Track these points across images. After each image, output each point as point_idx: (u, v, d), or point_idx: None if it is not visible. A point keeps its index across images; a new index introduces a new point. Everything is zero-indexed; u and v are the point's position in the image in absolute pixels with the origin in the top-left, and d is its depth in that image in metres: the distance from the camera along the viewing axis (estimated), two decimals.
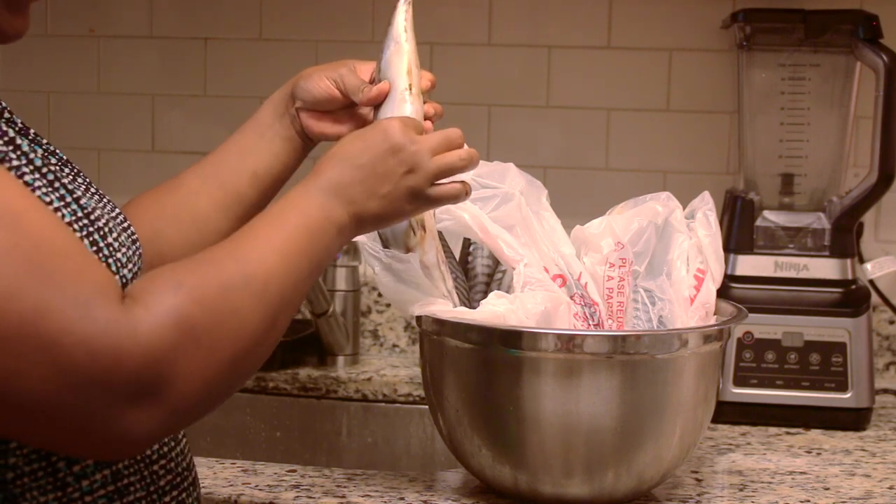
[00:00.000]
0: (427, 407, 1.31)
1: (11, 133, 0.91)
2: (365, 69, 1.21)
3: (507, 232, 1.23)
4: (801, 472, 1.38)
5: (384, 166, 1.07)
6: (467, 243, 1.33)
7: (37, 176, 0.90)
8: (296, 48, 1.95)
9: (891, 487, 1.33)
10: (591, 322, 1.23)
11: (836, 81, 1.66)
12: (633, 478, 1.21)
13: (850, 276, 1.62)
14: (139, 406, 0.83)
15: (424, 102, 1.18)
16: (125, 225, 1.01)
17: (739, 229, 1.65)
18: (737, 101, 1.72)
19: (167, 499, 1.00)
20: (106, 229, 0.95)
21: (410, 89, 1.16)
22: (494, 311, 1.18)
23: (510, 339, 1.17)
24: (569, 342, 1.15)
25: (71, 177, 0.98)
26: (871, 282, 1.73)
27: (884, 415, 1.64)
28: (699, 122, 1.88)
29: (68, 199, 0.92)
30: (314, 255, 1.00)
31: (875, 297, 1.71)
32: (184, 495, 1.02)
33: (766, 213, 1.65)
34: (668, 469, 1.23)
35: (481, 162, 1.26)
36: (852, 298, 1.61)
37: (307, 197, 1.03)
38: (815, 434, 1.55)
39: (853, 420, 1.57)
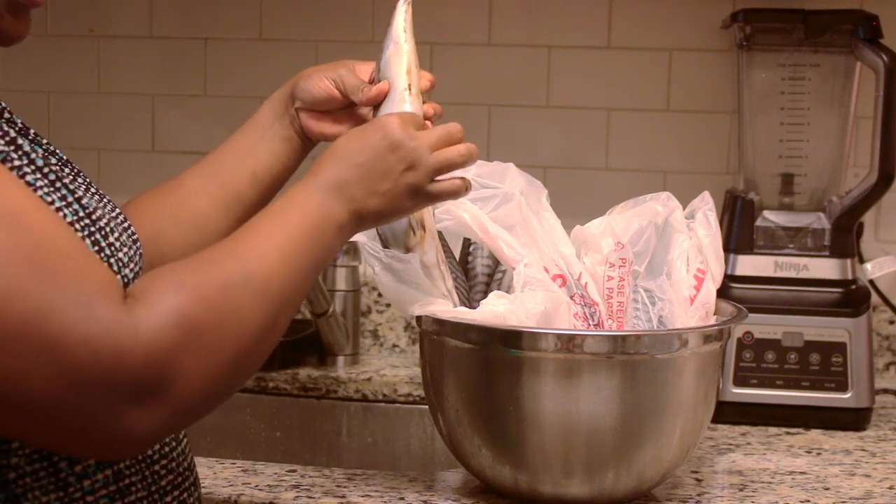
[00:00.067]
0: (427, 407, 1.31)
1: (13, 133, 0.91)
2: (364, 69, 1.21)
3: (507, 232, 1.23)
4: (801, 472, 1.38)
5: (383, 163, 1.07)
6: (467, 243, 1.33)
7: (38, 176, 0.90)
8: (296, 48, 1.95)
9: (891, 487, 1.33)
10: (591, 322, 1.23)
11: (836, 81, 1.66)
12: (633, 478, 1.21)
13: (850, 276, 1.62)
14: (141, 406, 0.84)
15: (424, 102, 1.18)
16: (126, 225, 1.01)
17: (739, 229, 1.65)
18: (737, 101, 1.72)
19: (168, 499, 1.00)
20: (107, 229, 0.95)
21: (410, 89, 1.16)
22: (494, 311, 1.18)
23: (510, 339, 1.17)
24: (569, 342, 1.15)
25: (71, 177, 0.98)
26: (871, 282, 1.73)
27: (884, 415, 1.64)
28: (699, 122, 1.88)
29: (70, 198, 0.92)
30: (315, 253, 1.00)
31: (875, 297, 1.71)
32: (185, 495, 1.02)
33: (766, 213, 1.65)
34: (668, 469, 1.23)
35: (481, 162, 1.26)
36: (852, 298, 1.61)
37: (307, 195, 1.03)
38: (815, 434, 1.55)
39: (853, 420, 1.57)
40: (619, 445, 1.18)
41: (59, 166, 0.97)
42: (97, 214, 0.94)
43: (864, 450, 1.48)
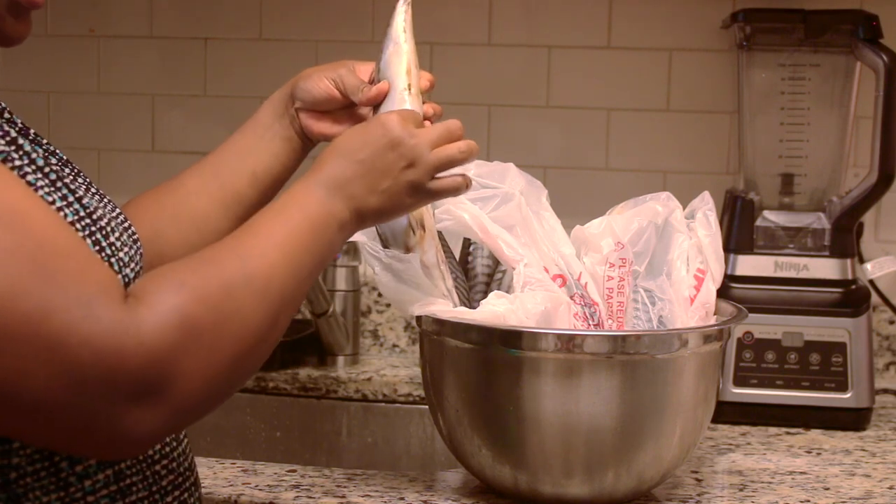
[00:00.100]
0: (427, 407, 1.31)
1: (13, 133, 0.91)
2: (364, 69, 1.21)
3: (507, 232, 1.23)
4: (801, 472, 1.38)
5: (384, 161, 1.07)
6: (467, 243, 1.33)
7: (39, 175, 0.90)
8: (296, 48, 1.95)
9: (891, 487, 1.33)
10: (591, 322, 1.23)
11: (836, 81, 1.66)
12: (633, 478, 1.21)
13: (850, 276, 1.62)
14: (142, 405, 0.84)
15: (423, 102, 1.18)
16: (126, 225, 1.01)
17: (739, 229, 1.65)
18: (737, 101, 1.72)
19: (169, 499, 1.00)
20: (108, 229, 0.95)
21: (409, 89, 1.16)
22: (494, 311, 1.18)
23: (510, 339, 1.17)
24: (569, 342, 1.15)
25: (72, 177, 0.98)
26: (871, 282, 1.73)
27: (884, 415, 1.64)
28: (699, 122, 1.88)
29: (70, 198, 0.92)
30: (316, 251, 1.00)
31: (875, 297, 1.71)
32: (186, 495, 1.03)
33: (766, 213, 1.65)
34: (668, 469, 1.23)
35: (481, 162, 1.26)
36: (852, 298, 1.61)
37: (308, 193, 1.03)
38: (815, 434, 1.55)
39: (853, 420, 1.57)
40: (619, 445, 1.18)
41: (60, 166, 0.97)
42: (98, 214, 0.95)
43: (864, 450, 1.48)
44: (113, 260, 0.93)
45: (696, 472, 1.37)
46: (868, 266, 1.66)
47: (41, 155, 0.93)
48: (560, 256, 1.26)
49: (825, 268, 1.62)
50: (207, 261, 0.92)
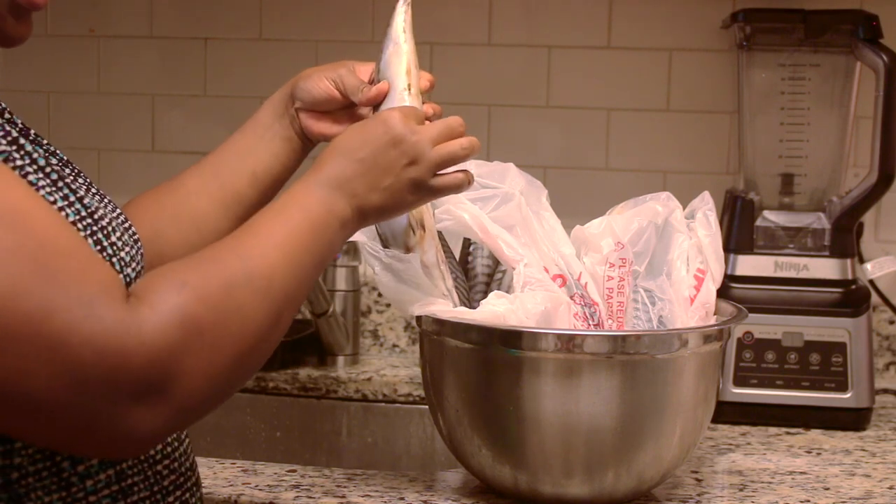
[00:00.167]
0: (427, 407, 1.31)
1: (14, 133, 0.91)
2: (364, 70, 1.21)
3: (507, 232, 1.23)
4: (801, 472, 1.38)
5: (385, 158, 1.06)
6: (467, 243, 1.33)
7: (40, 175, 0.91)
8: (296, 48, 1.95)
9: (891, 487, 1.33)
10: (591, 322, 1.23)
11: (836, 81, 1.66)
12: (633, 478, 1.21)
13: (850, 276, 1.62)
14: (144, 404, 0.84)
15: (423, 103, 1.18)
16: (127, 225, 1.01)
17: (739, 229, 1.65)
18: (737, 101, 1.72)
19: (171, 499, 1.00)
20: (109, 228, 0.95)
21: (409, 89, 1.16)
22: (494, 311, 1.18)
23: (510, 339, 1.17)
24: (569, 342, 1.15)
25: (72, 177, 0.98)
26: (871, 282, 1.73)
27: (884, 415, 1.64)
28: (699, 122, 1.88)
29: (72, 198, 0.92)
30: (317, 249, 1.00)
31: (875, 297, 1.71)
32: (187, 495, 1.03)
33: (766, 213, 1.65)
34: (668, 469, 1.23)
35: (481, 162, 1.26)
36: (852, 298, 1.61)
37: (309, 192, 1.03)
38: (815, 434, 1.55)
39: (853, 420, 1.57)
40: (619, 445, 1.18)
41: (60, 167, 0.97)
42: (99, 214, 0.95)
43: (864, 450, 1.48)
44: (114, 260, 0.93)
45: (696, 472, 1.37)
46: (868, 266, 1.66)
47: (42, 155, 0.93)
48: (560, 256, 1.26)
49: (825, 268, 1.62)
50: (208, 260, 0.93)
